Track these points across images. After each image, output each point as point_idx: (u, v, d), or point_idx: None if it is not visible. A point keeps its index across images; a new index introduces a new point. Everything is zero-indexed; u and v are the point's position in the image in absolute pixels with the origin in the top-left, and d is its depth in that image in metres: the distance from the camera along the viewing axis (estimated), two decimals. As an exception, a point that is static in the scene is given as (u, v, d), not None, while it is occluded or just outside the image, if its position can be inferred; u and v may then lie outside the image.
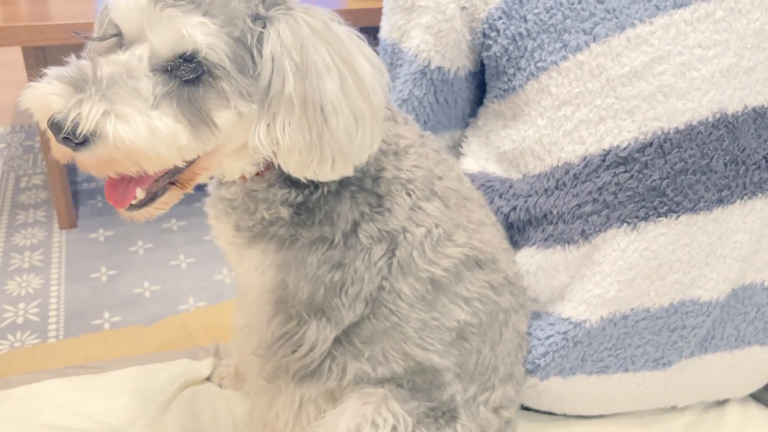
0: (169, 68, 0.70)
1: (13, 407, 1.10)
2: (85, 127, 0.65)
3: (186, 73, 0.69)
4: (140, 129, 0.67)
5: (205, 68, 0.69)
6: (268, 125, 0.73)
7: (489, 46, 1.01)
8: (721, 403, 1.14)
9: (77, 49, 0.76)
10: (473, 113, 1.15)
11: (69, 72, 0.68)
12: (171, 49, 0.69)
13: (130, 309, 1.47)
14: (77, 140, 0.66)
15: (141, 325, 1.38)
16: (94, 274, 1.58)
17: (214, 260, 1.65)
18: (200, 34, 0.67)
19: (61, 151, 0.70)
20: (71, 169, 2.02)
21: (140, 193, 0.75)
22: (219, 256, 1.66)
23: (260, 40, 0.71)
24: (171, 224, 1.79)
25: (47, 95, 0.67)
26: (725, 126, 0.92)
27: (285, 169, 0.76)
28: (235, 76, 0.70)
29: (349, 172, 0.77)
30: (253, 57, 0.71)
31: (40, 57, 1.59)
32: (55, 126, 0.66)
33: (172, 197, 0.78)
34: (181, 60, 0.69)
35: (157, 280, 1.57)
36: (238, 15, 0.70)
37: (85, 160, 0.69)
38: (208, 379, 1.18)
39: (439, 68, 1.07)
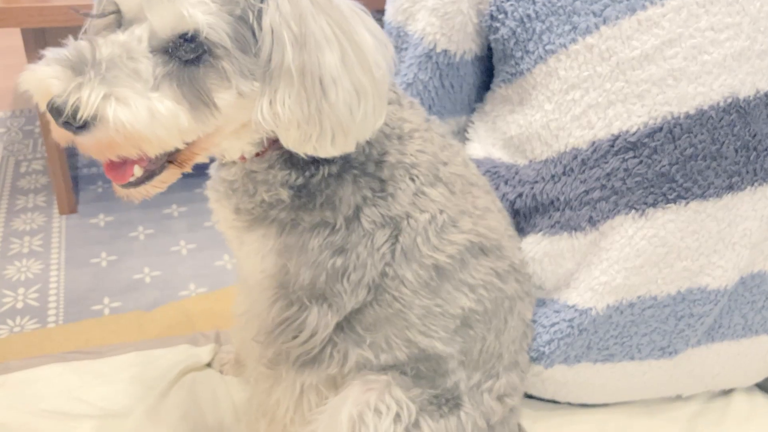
0: (169, 49, 0.69)
1: (11, 392, 1.09)
2: (85, 112, 0.65)
3: (186, 53, 0.68)
4: (141, 112, 0.66)
5: (205, 48, 0.68)
6: (271, 101, 0.71)
7: (496, 29, 0.99)
8: (727, 392, 1.13)
9: (77, 31, 0.75)
10: (479, 98, 1.13)
11: (68, 54, 0.67)
12: (171, 29, 0.67)
13: (130, 295, 1.47)
14: (77, 124, 0.65)
15: (141, 311, 1.37)
16: (94, 260, 1.57)
17: (215, 246, 1.64)
18: (201, 13, 0.66)
19: (61, 134, 0.69)
20: (71, 154, 2.00)
21: (138, 171, 0.74)
22: (220, 243, 1.65)
23: (260, 15, 0.70)
24: (172, 210, 1.78)
25: (46, 78, 0.66)
26: (737, 111, 0.90)
27: (285, 144, 0.75)
28: (236, 55, 0.69)
29: (350, 149, 0.76)
30: (254, 33, 0.70)
31: (40, 39, 1.57)
32: (56, 110, 0.65)
33: (169, 176, 0.76)
34: (181, 40, 0.68)
35: (157, 266, 1.57)
36: None
37: (86, 143, 0.68)
38: (208, 365, 1.18)
39: (445, 52, 1.05)
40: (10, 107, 2.17)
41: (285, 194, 0.81)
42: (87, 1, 1.51)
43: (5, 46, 2.41)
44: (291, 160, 0.81)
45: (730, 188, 0.92)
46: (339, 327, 0.87)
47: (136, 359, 1.17)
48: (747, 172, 0.92)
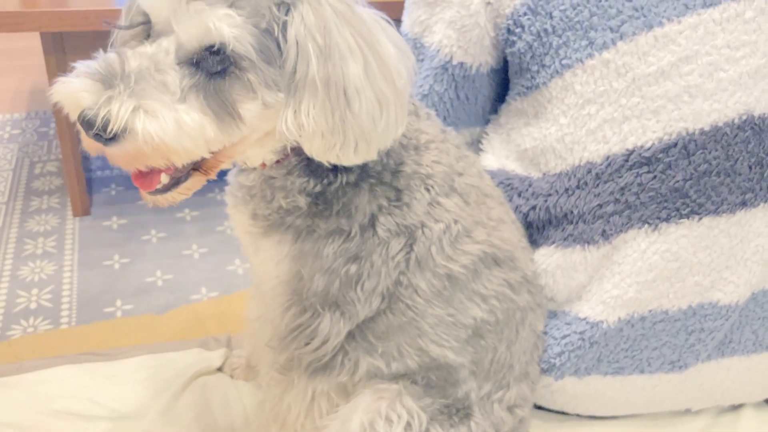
0: (195, 61, 0.70)
1: (24, 392, 1.10)
2: (115, 125, 0.66)
3: (212, 65, 0.69)
4: (168, 124, 0.68)
5: (231, 60, 0.69)
6: (295, 111, 0.73)
7: (513, 43, 1.00)
8: (736, 407, 1.13)
9: (95, 35, 0.76)
10: (493, 110, 1.14)
11: (97, 67, 0.69)
12: (197, 41, 0.69)
13: (142, 297, 1.47)
14: (108, 136, 0.67)
15: (153, 314, 1.38)
16: (106, 262, 1.58)
17: (227, 251, 1.65)
18: (226, 26, 0.67)
19: (91, 145, 0.71)
20: (85, 157, 2.02)
21: (164, 178, 0.75)
22: (232, 247, 1.66)
23: (285, 28, 0.71)
24: (184, 214, 1.79)
25: (77, 91, 0.68)
26: (751, 128, 0.91)
27: (309, 152, 0.76)
28: (262, 67, 0.70)
29: (372, 157, 0.77)
30: (279, 45, 0.71)
31: (59, 43, 1.58)
32: (87, 123, 0.67)
33: (195, 183, 0.78)
34: (207, 53, 0.69)
35: (169, 269, 1.57)
36: (263, 4, 0.70)
37: (115, 154, 0.70)
38: (219, 369, 1.18)
39: (461, 64, 1.06)
40: (26, 109, 2.19)
41: (302, 201, 0.82)
42: (105, 6, 1.53)
43: (21, 47, 2.43)
44: (309, 167, 0.82)
45: (744, 204, 0.93)
46: (351, 335, 0.88)
47: (148, 362, 1.18)
48: (761, 188, 0.93)
